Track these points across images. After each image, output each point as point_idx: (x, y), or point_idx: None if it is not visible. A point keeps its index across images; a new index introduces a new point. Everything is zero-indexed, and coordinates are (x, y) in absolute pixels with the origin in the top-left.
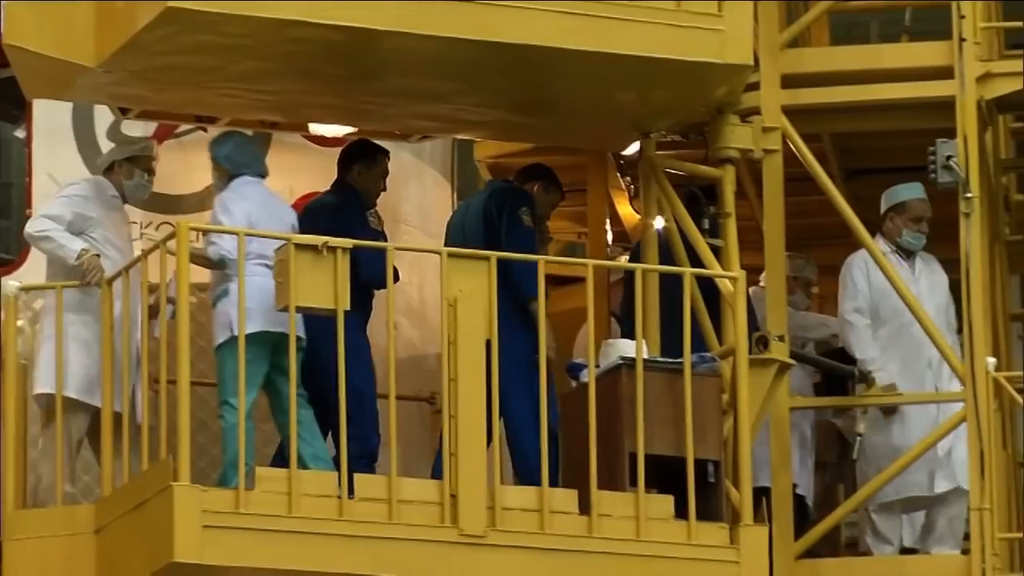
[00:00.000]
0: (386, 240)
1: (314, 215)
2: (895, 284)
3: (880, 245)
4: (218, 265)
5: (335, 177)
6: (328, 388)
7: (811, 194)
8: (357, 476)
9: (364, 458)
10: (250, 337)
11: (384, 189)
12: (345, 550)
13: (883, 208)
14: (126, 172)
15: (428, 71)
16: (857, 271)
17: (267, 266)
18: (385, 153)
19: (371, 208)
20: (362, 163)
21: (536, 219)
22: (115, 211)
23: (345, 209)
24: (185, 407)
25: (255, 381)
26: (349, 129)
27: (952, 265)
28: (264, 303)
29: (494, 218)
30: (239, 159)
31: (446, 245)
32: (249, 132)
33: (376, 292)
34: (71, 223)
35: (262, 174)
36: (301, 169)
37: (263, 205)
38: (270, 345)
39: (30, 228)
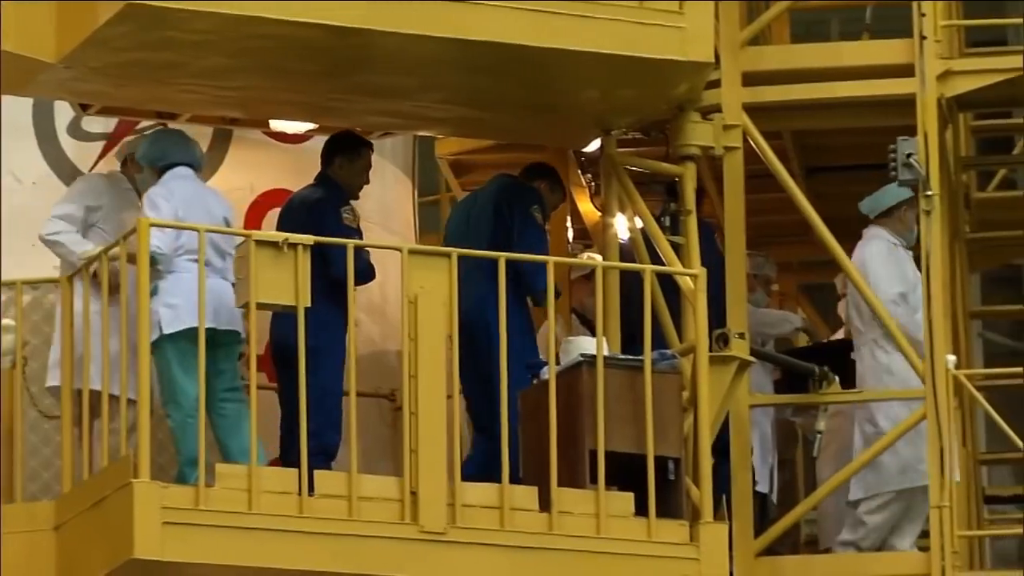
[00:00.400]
0: (361, 236)
1: (291, 211)
2: (858, 287)
3: (888, 237)
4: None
5: (297, 171)
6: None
7: (772, 191)
8: (317, 473)
9: (321, 455)
10: (182, 334)
11: (367, 182)
12: (305, 547)
13: (894, 201)
14: (136, 166)
15: (391, 68)
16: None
17: (196, 261)
18: (368, 146)
19: (352, 200)
20: (344, 156)
21: (546, 218)
22: (129, 204)
23: (320, 204)
24: (145, 404)
25: (194, 376)
26: (310, 125)
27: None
28: (195, 299)
29: (505, 215)
30: (153, 154)
31: (446, 239)
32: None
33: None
34: (83, 219)
35: (190, 163)
36: (262, 165)
37: (191, 199)
38: (207, 342)
39: (43, 231)
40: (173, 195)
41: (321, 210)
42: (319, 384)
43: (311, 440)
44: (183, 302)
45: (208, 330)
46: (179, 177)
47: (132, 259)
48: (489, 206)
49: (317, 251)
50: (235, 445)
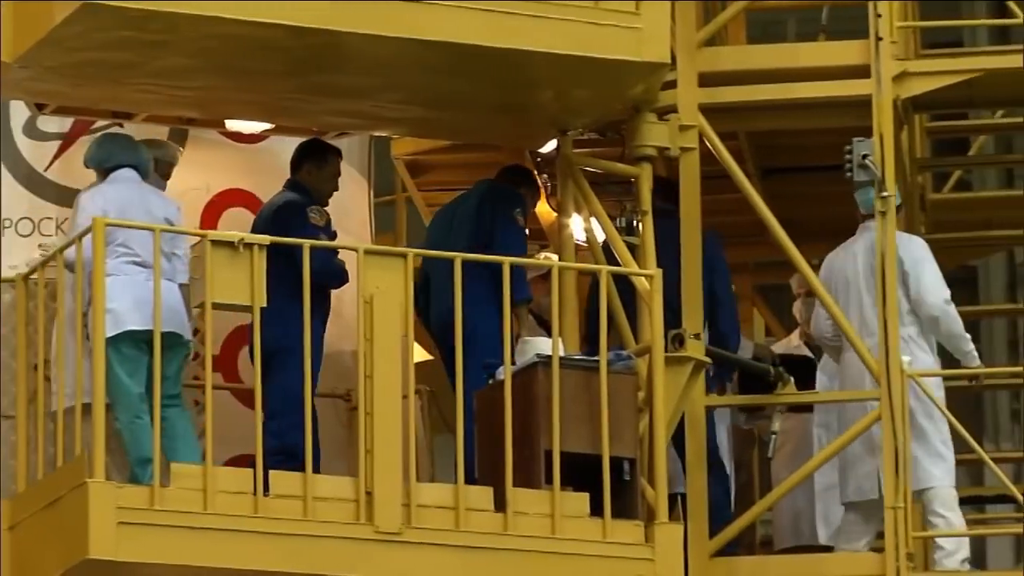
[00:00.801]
0: (333, 235)
1: (260, 217)
2: (816, 291)
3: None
4: (71, 267)
5: (253, 171)
6: (271, 387)
7: (728, 192)
8: (272, 473)
9: (281, 455)
10: (122, 337)
11: (336, 189)
12: (260, 547)
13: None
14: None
15: (349, 68)
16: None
17: (136, 263)
18: (337, 153)
19: (322, 206)
20: (312, 162)
21: (525, 220)
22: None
23: (287, 206)
24: (100, 403)
25: (137, 378)
26: (266, 125)
27: None
28: (129, 301)
29: (487, 218)
30: (99, 156)
31: (428, 243)
32: (118, 131)
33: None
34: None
35: (135, 165)
36: (218, 165)
37: (129, 200)
38: (145, 344)
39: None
40: (103, 196)
41: (288, 211)
42: (287, 385)
43: (277, 440)
44: (120, 305)
45: (149, 332)
46: (119, 179)
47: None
48: (472, 209)
49: (285, 252)
50: (173, 451)
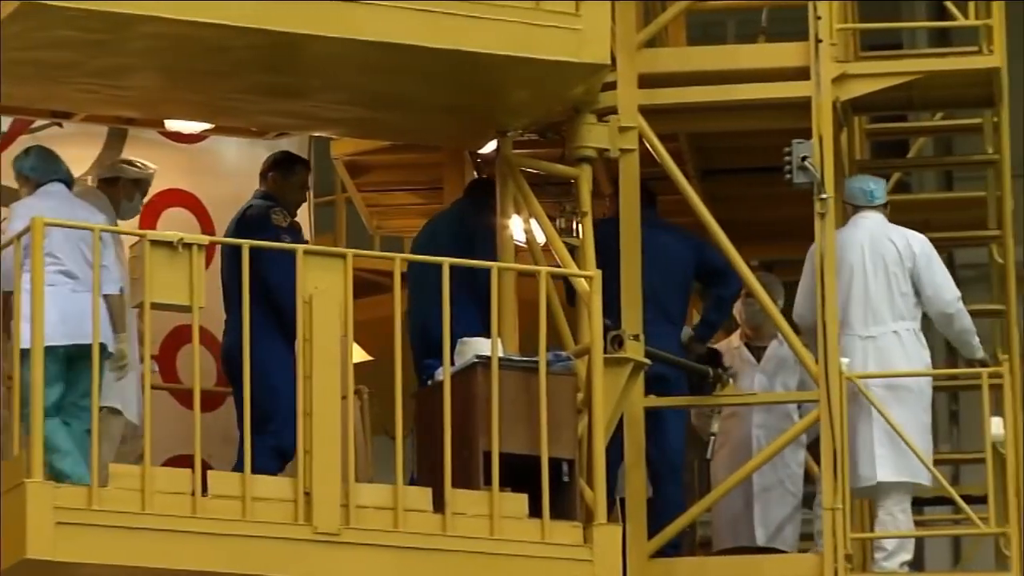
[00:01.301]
0: (298, 236)
1: (230, 226)
2: (755, 292)
3: None
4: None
5: (192, 171)
6: (256, 391)
7: (667, 193)
8: (211, 473)
9: (279, 457)
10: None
11: (304, 199)
12: (199, 547)
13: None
14: (127, 192)
15: (287, 68)
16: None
17: (62, 272)
18: (304, 164)
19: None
20: (277, 171)
21: None
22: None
23: (251, 209)
24: (38, 404)
25: (53, 387)
26: (206, 125)
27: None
28: (55, 315)
29: (468, 229)
30: (44, 168)
31: (415, 244)
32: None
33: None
34: None
35: (66, 180)
36: (157, 165)
37: (56, 211)
38: (67, 358)
39: None
40: (35, 207)
41: (253, 215)
42: (269, 387)
43: (275, 440)
44: (45, 318)
45: (71, 347)
46: (49, 191)
47: None
48: (454, 222)
49: (252, 258)
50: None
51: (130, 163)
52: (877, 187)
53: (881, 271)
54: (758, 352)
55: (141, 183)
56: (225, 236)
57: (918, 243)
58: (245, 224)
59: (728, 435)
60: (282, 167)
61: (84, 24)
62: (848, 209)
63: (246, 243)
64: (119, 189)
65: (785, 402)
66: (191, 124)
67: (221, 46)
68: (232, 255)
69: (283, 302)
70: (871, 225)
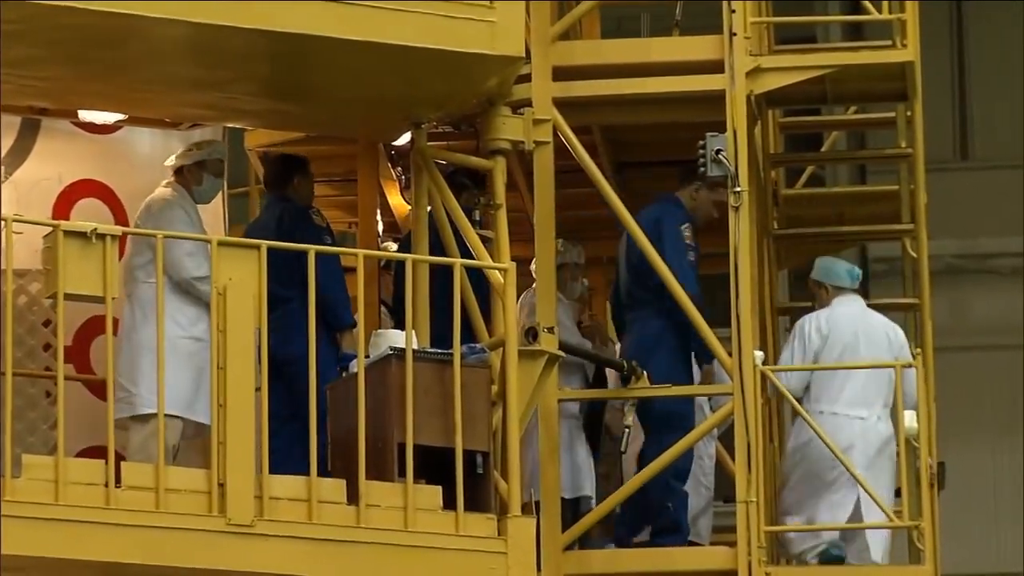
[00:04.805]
0: (333, 237)
1: (258, 230)
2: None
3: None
4: None
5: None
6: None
7: (582, 186)
8: (124, 464)
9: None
10: None
11: (314, 195)
12: (112, 539)
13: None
14: (195, 177)
15: (196, 59)
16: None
17: None
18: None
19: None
20: (300, 174)
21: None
22: (196, 215)
23: (289, 211)
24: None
25: None
26: (119, 116)
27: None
28: None
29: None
30: None
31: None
32: None
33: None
34: None
35: None
36: (70, 156)
37: None
38: None
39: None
40: None
41: (293, 217)
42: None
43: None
44: None
45: None
46: None
47: None
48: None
49: (303, 260)
50: None
51: (195, 146)
52: (858, 269)
53: (873, 356)
54: None
55: (206, 164)
56: (267, 239)
57: (901, 335)
58: (288, 226)
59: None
60: (301, 170)
61: None
62: (827, 289)
63: (160, 233)
64: (186, 177)
65: (698, 394)
66: (104, 115)
67: (128, 37)
68: (280, 257)
69: (324, 298)
70: (859, 309)
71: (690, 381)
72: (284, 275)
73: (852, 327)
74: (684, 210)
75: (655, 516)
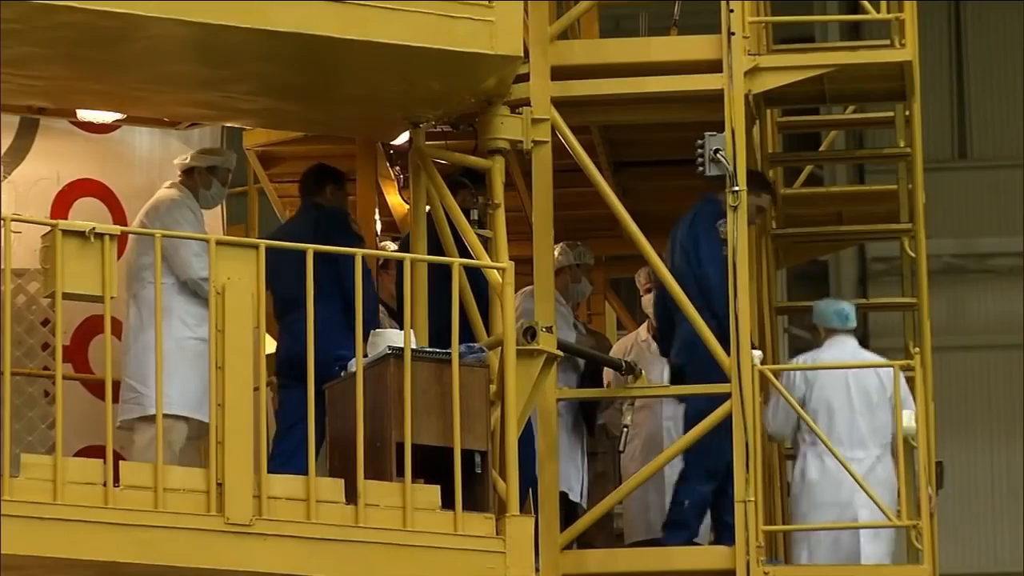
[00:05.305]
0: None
1: (291, 230)
2: (668, 284)
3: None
4: None
5: (103, 161)
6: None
7: (580, 186)
8: (123, 464)
9: None
10: None
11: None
12: (111, 538)
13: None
14: (204, 181)
15: (194, 58)
16: None
17: None
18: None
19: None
20: (334, 184)
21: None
22: (201, 216)
23: (327, 216)
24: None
25: None
26: (117, 116)
27: None
28: None
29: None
30: None
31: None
32: None
33: None
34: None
35: None
36: (68, 155)
37: None
38: None
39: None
40: None
41: (330, 220)
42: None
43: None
44: None
45: None
46: None
47: None
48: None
49: (333, 261)
50: None
51: (209, 152)
52: (851, 310)
53: (864, 398)
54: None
55: (217, 171)
56: (298, 241)
57: (891, 374)
58: (326, 230)
59: (640, 427)
60: (335, 179)
61: None
62: (819, 331)
63: (157, 232)
64: (196, 179)
65: (697, 394)
66: (103, 114)
67: (127, 35)
68: (314, 258)
69: (353, 301)
70: (850, 352)
71: None
72: (315, 277)
73: (843, 374)
74: (720, 206)
75: (670, 507)
